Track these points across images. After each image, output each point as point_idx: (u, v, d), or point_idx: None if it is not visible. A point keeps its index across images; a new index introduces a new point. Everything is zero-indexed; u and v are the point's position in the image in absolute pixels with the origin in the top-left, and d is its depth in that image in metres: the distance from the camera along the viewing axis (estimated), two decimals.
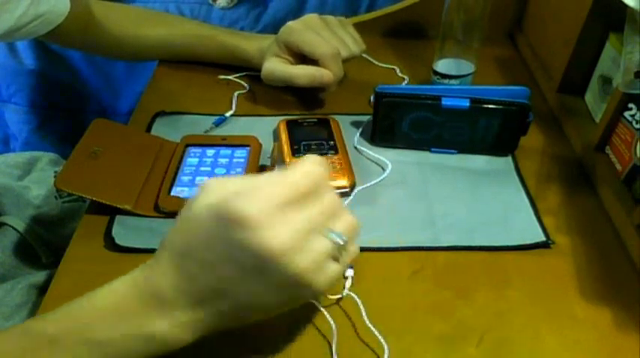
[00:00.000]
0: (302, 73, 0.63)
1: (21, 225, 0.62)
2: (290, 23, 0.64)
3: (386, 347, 0.40)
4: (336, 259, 0.35)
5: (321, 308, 0.43)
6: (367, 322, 0.42)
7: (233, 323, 0.36)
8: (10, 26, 0.55)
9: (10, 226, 0.61)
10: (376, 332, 0.41)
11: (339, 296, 0.45)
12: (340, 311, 0.44)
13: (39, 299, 0.58)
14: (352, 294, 0.44)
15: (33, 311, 0.56)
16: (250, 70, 0.72)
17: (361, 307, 0.43)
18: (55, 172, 0.73)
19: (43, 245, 0.63)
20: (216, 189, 0.33)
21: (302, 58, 0.64)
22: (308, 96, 0.69)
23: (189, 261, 0.34)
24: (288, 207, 0.32)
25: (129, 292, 0.35)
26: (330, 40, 0.64)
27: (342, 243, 0.34)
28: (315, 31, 0.64)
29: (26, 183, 0.69)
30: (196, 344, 0.40)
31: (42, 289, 0.60)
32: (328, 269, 0.34)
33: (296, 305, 0.37)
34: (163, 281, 0.34)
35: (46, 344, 0.34)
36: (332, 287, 0.36)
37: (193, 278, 0.34)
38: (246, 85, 0.71)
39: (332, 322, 0.42)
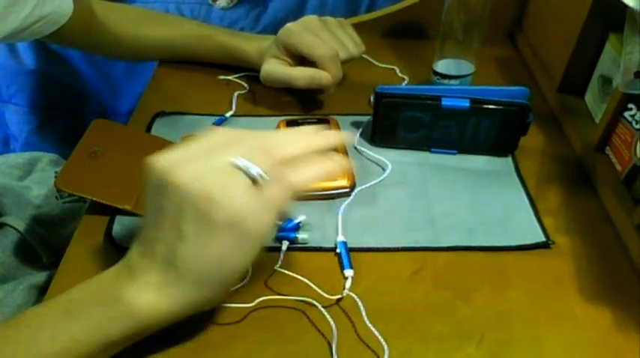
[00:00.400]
0: (300, 75, 0.63)
1: (21, 226, 0.62)
2: (289, 25, 0.64)
3: (386, 347, 0.40)
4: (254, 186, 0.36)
5: (321, 308, 0.43)
6: (367, 322, 0.42)
7: (202, 284, 0.37)
8: (15, 27, 0.55)
9: (11, 226, 0.61)
10: (376, 333, 0.41)
11: (339, 296, 0.45)
12: (340, 311, 0.44)
13: (40, 300, 0.58)
14: (352, 294, 0.44)
15: None
16: (250, 71, 0.72)
17: (361, 307, 0.43)
18: (56, 172, 0.73)
19: (44, 245, 0.63)
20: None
21: (301, 59, 0.64)
22: (308, 96, 0.69)
23: (144, 226, 0.38)
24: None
25: (108, 271, 0.39)
26: (329, 41, 0.64)
27: (239, 164, 0.36)
28: (314, 32, 0.64)
29: (27, 183, 0.69)
30: (195, 341, 0.40)
31: (43, 289, 0.60)
32: (237, 188, 0.35)
33: (246, 244, 0.37)
34: (132, 252, 0.38)
35: (36, 322, 0.36)
36: (267, 217, 0.37)
37: (146, 238, 0.37)
38: (246, 85, 0.71)
39: (332, 322, 0.42)
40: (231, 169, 0.36)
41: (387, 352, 0.40)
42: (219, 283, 0.38)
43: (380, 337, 0.41)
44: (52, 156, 0.78)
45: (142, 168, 0.38)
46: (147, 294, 0.36)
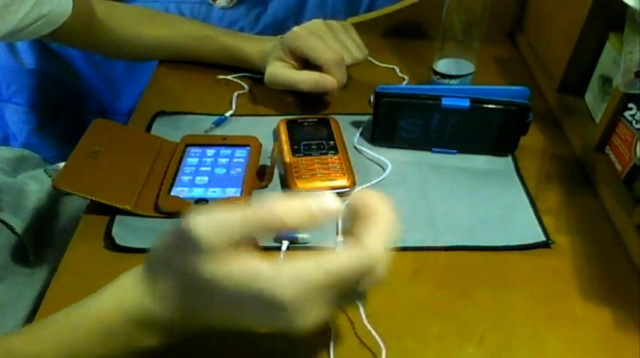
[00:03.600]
0: (306, 79, 0.63)
1: (17, 223, 0.62)
2: (295, 28, 0.65)
3: (383, 348, 0.40)
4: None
5: None
6: (366, 323, 0.42)
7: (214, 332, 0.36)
8: (13, 27, 0.55)
9: (5, 224, 0.61)
10: (374, 333, 0.41)
11: None
12: (339, 311, 0.44)
13: (35, 304, 0.58)
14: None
15: (26, 308, 0.56)
16: (249, 71, 0.72)
17: (360, 307, 0.43)
18: (46, 170, 0.73)
19: (36, 244, 0.62)
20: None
21: (305, 62, 0.65)
22: (308, 96, 0.69)
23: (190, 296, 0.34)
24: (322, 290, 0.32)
25: (120, 317, 0.35)
26: (334, 46, 0.64)
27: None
28: (319, 36, 0.64)
29: (22, 179, 0.68)
30: (191, 340, 0.40)
31: (37, 292, 0.59)
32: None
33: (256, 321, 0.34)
34: (159, 308, 0.35)
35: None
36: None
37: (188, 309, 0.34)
38: (245, 85, 0.71)
39: (330, 322, 0.42)
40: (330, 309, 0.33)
41: (384, 353, 0.40)
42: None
43: (378, 337, 0.41)
44: (39, 157, 0.78)
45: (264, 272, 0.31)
46: (156, 340, 0.35)
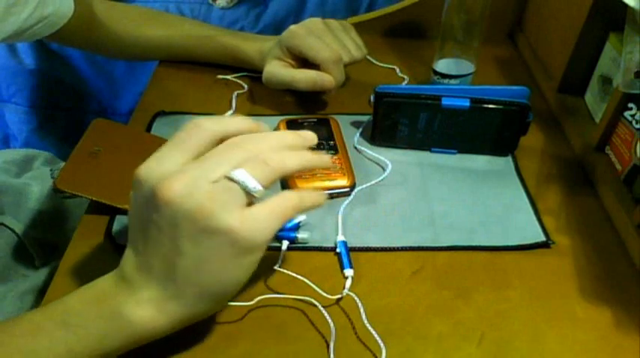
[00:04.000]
0: (303, 78, 0.63)
1: (18, 226, 0.62)
2: (293, 27, 0.64)
3: (384, 348, 0.40)
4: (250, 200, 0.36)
5: (321, 308, 0.43)
6: (366, 322, 0.42)
7: (200, 298, 0.36)
8: (16, 29, 0.55)
9: (7, 227, 0.61)
10: (374, 333, 0.41)
11: (339, 296, 0.45)
12: (340, 311, 0.44)
13: (34, 305, 0.58)
14: (352, 294, 0.44)
15: (27, 308, 0.56)
16: (249, 71, 0.72)
17: (360, 307, 0.43)
18: (52, 170, 0.73)
19: (38, 247, 0.63)
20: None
21: (304, 61, 0.64)
22: (308, 96, 0.69)
23: (134, 239, 0.37)
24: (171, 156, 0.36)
25: (106, 279, 0.38)
26: (332, 45, 0.64)
27: (244, 181, 0.35)
28: (317, 35, 0.64)
29: (25, 180, 0.69)
30: (194, 340, 0.40)
31: (37, 293, 0.59)
32: (244, 209, 0.35)
33: (244, 259, 0.36)
34: (127, 263, 0.37)
35: (32, 329, 0.36)
36: (264, 231, 0.36)
37: (140, 253, 0.37)
38: (244, 85, 0.71)
39: (331, 322, 0.42)
40: (226, 183, 0.35)
41: (384, 352, 0.40)
42: (219, 296, 0.37)
43: (378, 337, 0.41)
44: (47, 154, 0.78)
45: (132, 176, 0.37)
46: (146, 310, 0.36)
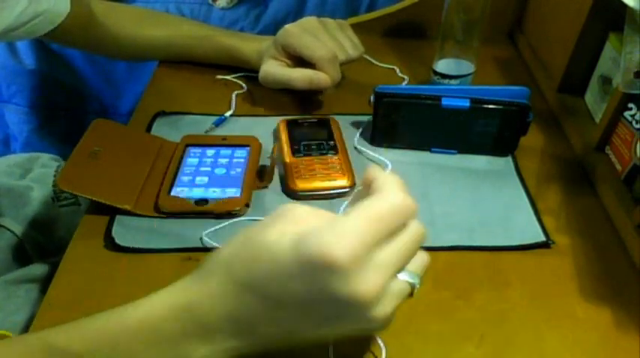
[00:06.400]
0: (299, 76, 0.63)
1: (18, 228, 0.62)
2: (288, 26, 0.64)
3: (383, 348, 0.40)
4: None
5: None
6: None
7: (271, 348, 0.33)
8: (9, 24, 0.55)
9: (7, 229, 0.61)
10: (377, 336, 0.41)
11: None
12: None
13: (26, 294, 0.57)
14: None
15: (27, 309, 0.56)
16: (248, 71, 0.72)
17: None
18: (56, 170, 0.73)
19: (38, 248, 0.63)
20: (296, 218, 0.31)
21: (300, 60, 0.64)
22: (308, 96, 0.69)
23: (252, 294, 0.31)
24: (376, 246, 0.30)
25: (169, 315, 0.32)
26: (328, 43, 0.64)
27: (417, 285, 0.33)
28: (313, 34, 0.64)
29: (28, 183, 0.69)
30: None
31: (27, 282, 0.59)
32: (397, 303, 0.32)
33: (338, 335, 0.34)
34: (212, 309, 0.31)
35: None
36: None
37: (252, 312, 0.31)
38: (243, 84, 0.71)
39: None
40: (403, 285, 0.32)
41: (384, 353, 0.40)
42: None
43: (378, 338, 0.41)
44: (50, 156, 0.78)
45: (278, 214, 0.31)
46: (218, 356, 0.32)
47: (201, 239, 0.49)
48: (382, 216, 0.31)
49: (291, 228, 0.30)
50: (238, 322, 0.31)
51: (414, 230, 0.33)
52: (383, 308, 0.30)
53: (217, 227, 0.50)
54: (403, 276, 0.32)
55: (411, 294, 0.33)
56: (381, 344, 0.40)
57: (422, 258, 0.34)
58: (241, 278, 0.31)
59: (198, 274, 0.33)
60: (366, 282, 0.29)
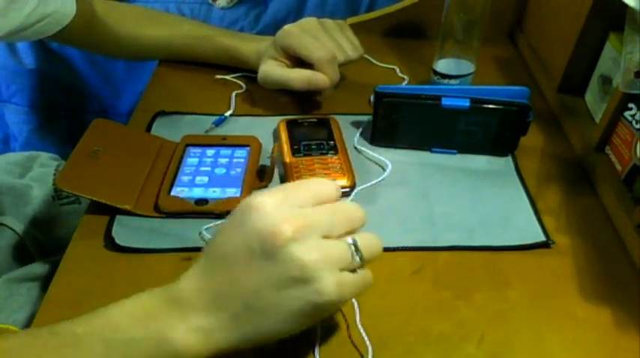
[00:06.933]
0: (298, 77, 0.63)
1: (19, 227, 0.62)
2: (287, 26, 0.64)
3: (370, 350, 0.40)
4: (351, 270, 0.35)
5: None
6: (358, 324, 0.42)
7: (248, 337, 0.35)
8: (18, 25, 0.55)
9: (8, 227, 0.61)
10: (364, 334, 0.41)
11: None
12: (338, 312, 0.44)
13: (27, 292, 0.57)
14: None
15: (27, 308, 0.56)
16: (248, 71, 0.72)
17: (356, 308, 0.43)
18: (56, 169, 0.73)
19: (39, 247, 0.63)
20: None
21: (299, 61, 0.64)
22: (307, 96, 0.69)
23: (212, 260, 0.35)
24: (308, 207, 0.35)
25: (156, 296, 0.36)
26: (327, 44, 0.64)
27: (355, 248, 0.35)
28: (312, 34, 0.64)
29: (28, 181, 0.69)
30: None
31: (29, 280, 0.59)
32: (341, 272, 0.34)
33: (310, 317, 0.35)
34: (186, 284, 0.35)
35: (71, 343, 0.34)
36: (344, 299, 0.35)
37: (210, 274, 0.35)
38: (243, 84, 0.71)
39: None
40: (339, 244, 0.35)
41: (370, 354, 0.40)
42: (263, 341, 0.35)
43: (367, 339, 0.41)
44: (49, 155, 0.78)
45: (240, 204, 0.35)
46: (194, 338, 0.34)
47: (200, 233, 0.50)
48: (308, 184, 0.37)
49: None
50: (206, 292, 0.34)
51: (345, 203, 0.38)
52: (310, 251, 0.33)
53: (218, 222, 0.51)
54: (343, 239, 0.36)
55: (354, 270, 0.36)
56: (369, 347, 0.40)
57: (372, 237, 0.37)
58: (207, 251, 0.36)
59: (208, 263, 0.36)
60: (285, 220, 0.33)
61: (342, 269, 0.35)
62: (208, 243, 0.37)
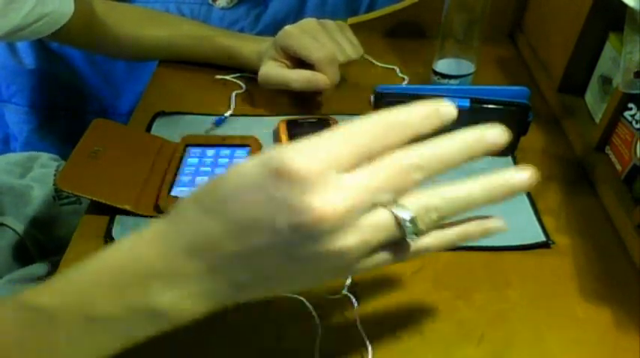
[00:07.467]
0: (297, 78, 0.63)
1: (19, 227, 0.62)
2: (287, 27, 0.64)
3: (370, 350, 0.40)
4: (392, 245, 0.29)
5: (308, 305, 0.43)
6: (358, 323, 0.42)
7: (247, 297, 0.31)
8: (15, 25, 0.55)
9: (9, 227, 0.61)
10: (364, 334, 0.41)
11: (338, 296, 0.45)
12: (338, 311, 0.44)
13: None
14: (349, 294, 0.44)
15: None
16: (248, 71, 0.72)
17: (355, 309, 0.43)
18: (57, 169, 0.73)
19: (39, 247, 0.63)
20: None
21: (299, 62, 0.64)
22: (308, 96, 0.69)
23: (213, 217, 0.28)
24: (348, 167, 0.27)
25: (132, 254, 0.30)
26: (327, 44, 0.64)
27: (408, 223, 0.28)
28: (312, 35, 0.64)
29: (28, 182, 0.69)
30: (182, 331, 0.38)
31: (30, 282, 0.59)
32: (376, 255, 0.29)
33: (321, 282, 0.31)
34: (174, 242, 0.29)
35: (45, 320, 0.30)
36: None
37: (214, 239, 0.28)
38: (242, 84, 0.71)
39: (318, 321, 0.42)
40: (388, 221, 0.28)
41: (370, 354, 0.40)
42: (263, 294, 0.31)
43: (366, 339, 0.41)
44: (49, 155, 0.78)
45: (255, 157, 0.27)
46: (184, 304, 0.29)
47: None
48: (361, 134, 0.27)
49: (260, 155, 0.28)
50: (200, 254, 0.28)
51: (405, 153, 0.28)
52: (349, 240, 0.27)
53: None
54: (389, 208, 0.28)
55: (401, 244, 0.29)
56: (369, 346, 0.40)
57: (432, 195, 0.30)
58: (205, 203, 0.28)
59: (170, 212, 0.30)
60: (323, 200, 0.25)
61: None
62: (210, 188, 0.28)
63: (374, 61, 0.77)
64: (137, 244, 0.30)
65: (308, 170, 0.25)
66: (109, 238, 0.49)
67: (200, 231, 0.28)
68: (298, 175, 0.25)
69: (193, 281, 0.29)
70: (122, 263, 0.30)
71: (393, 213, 0.28)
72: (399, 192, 0.28)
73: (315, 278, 0.30)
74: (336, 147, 0.27)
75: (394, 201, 0.28)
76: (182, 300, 0.29)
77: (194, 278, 0.29)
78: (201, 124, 0.64)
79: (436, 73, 0.68)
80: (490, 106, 0.57)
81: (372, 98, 0.60)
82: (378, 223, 0.28)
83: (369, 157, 0.27)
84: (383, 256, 0.30)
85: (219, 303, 0.30)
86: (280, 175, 0.26)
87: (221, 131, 0.64)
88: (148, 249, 0.29)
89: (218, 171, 0.56)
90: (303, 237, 0.26)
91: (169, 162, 0.57)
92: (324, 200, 0.25)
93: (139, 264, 0.29)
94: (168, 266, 0.29)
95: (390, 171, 0.27)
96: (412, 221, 0.28)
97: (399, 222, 0.28)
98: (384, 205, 0.28)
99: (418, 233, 0.29)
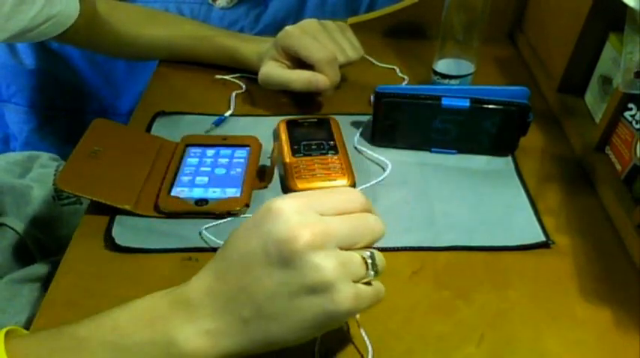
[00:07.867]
0: (298, 78, 0.63)
1: (20, 227, 0.62)
2: (288, 28, 0.64)
3: (370, 349, 0.40)
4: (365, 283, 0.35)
5: None
6: (358, 323, 0.42)
7: (256, 343, 0.34)
8: (23, 27, 0.55)
9: (9, 227, 0.61)
10: (364, 334, 0.41)
11: None
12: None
13: (29, 293, 0.57)
14: None
15: (27, 308, 0.56)
16: (248, 71, 0.72)
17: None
18: (56, 169, 0.73)
19: (40, 247, 0.63)
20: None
21: (299, 62, 0.64)
22: (307, 96, 0.69)
23: (224, 261, 0.35)
24: (330, 216, 0.34)
25: (163, 298, 0.35)
26: (327, 45, 0.64)
27: (371, 264, 0.35)
28: (312, 35, 0.64)
29: (28, 182, 0.69)
30: None
31: (31, 282, 0.59)
32: (355, 284, 0.34)
33: (320, 327, 0.34)
34: (196, 285, 0.34)
35: (75, 346, 0.34)
36: (358, 311, 0.35)
37: (222, 277, 0.34)
38: (243, 85, 0.71)
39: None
40: (356, 256, 0.35)
41: (370, 354, 0.40)
42: (269, 348, 0.34)
43: (367, 339, 0.41)
44: (49, 155, 0.78)
45: (260, 212, 0.35)
46: (202, 342, 0.33)
47: (200, 233, 0.50)
48: (333, 193, 0.37)
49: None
50: (217, 295, 0.34)
51: (366, 215, 0.36)
52: (329, 261, 0.32)
53: (218, 222, 0.51)
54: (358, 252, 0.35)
55: (369, 282, 0.35)
56: (369, 346, 0.40)
57: (381, 258, 0.36)
58: (222, 254, 0.35)
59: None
60: (306, 226, 0.32)
61: (356, 282, 0.34)
62: (223, 245, 0.36)
63: (374, 61, 0.77)
64: (168, 291, 0.35)
65: (289, 207, 0.33)
66: (109, 238, 0.49)
67: (215, 277, 0.34)
68: (281, 211, 0.33)
69: (205, 319, 0.33)
70: (151, 300, 0.35)
71: (360, 254, 0.35)
72: (363, 242, 0.36)
73: (306, 314, 0.33)
74: (316, 195, 0.36)
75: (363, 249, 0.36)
76: (195, 337, 0.33)
77: (206, 315, 0.33)
78: (201, 124, 0.64)
79: (436, 73, 0.68)
80: (490, 106, 0.57)
81: (372, 98, 0.60)
82: (349, 258, 0.34)
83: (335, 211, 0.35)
84: (360, 286, 0.35)
85: (229, 347, 0.34)
86: (267, 212, 0.34)
87: (221, 131, 0.64)
88: (174, 291, 0.35)
89: (218, 171, 0.56)
90: (290, 261, 0.32)
91: (169, 162, 0.57)
92: (303, 225, 0.32)
93: (165, 299, 0.35)
94: (187, 303, 0.34)
95: (351, 222, 0.35)
96: (372, 257, 0.36)
97: (365, 262, 0.35)
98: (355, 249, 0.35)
99: (377, 271, 0.36)
